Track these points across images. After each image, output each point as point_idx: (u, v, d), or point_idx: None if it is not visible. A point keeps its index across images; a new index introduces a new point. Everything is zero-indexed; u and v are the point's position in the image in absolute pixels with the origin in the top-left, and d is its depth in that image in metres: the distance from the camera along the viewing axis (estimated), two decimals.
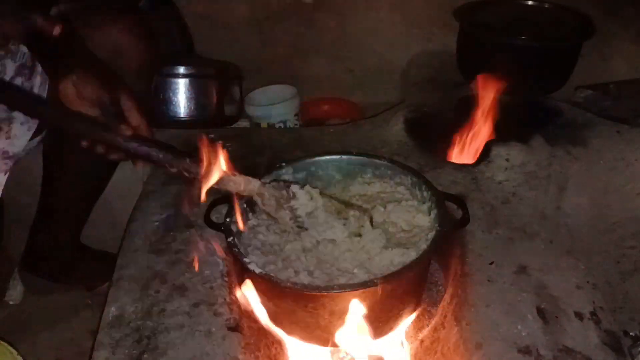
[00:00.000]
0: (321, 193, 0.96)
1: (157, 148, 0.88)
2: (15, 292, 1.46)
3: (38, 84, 1.11)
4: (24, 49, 1.10)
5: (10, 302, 1.46)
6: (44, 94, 1.12)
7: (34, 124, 1.11)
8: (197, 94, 1.58)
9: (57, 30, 0.88)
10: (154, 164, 0.89)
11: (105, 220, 1.51)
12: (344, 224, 0.96)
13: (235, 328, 0.98)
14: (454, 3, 1.70)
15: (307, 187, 0.95)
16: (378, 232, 0.95)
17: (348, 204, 1.00)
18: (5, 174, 1.05)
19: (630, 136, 1.45)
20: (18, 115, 1.08)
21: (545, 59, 1.57)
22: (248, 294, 0.95)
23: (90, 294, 1.47)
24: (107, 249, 1.50)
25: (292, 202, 0.94)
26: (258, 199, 0.93)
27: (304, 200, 0.94)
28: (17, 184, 1.08)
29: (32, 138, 1.21)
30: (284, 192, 0.94)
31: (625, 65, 1.82)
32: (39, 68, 1.13)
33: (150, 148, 0.88)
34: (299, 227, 0.95)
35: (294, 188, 0.95)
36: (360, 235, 0.95)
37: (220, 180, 0.88)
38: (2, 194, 1.04)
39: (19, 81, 1.09)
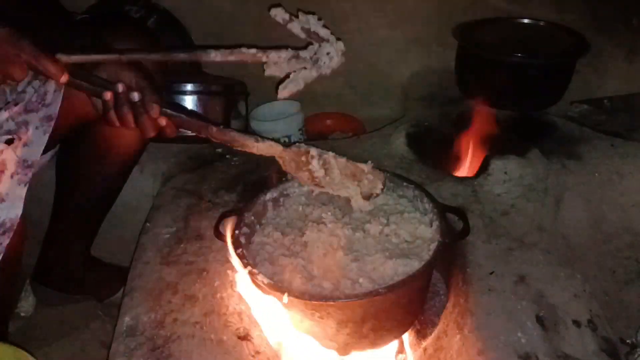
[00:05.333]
0: (337, 157, 1.01)
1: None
2: (27, 304, 1.48)
3: (52, 90, 1.13)
4: None
5: (22, 314, 1.47)
6: (59, 99, 1.14)
7: (49, 127, 1.12)
8: (204, 110, 1.61)
9: (64, 79, 0.90)
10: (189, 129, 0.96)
11: (115, 233, 1.54)
12: (358, 185, 1.02)
13: (245, 337, 1.01)
14: (452, 22, 1.74)
15: (322, 152, 1.01)
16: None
17: (362, 168, 1.04)
18: (25, 186, 1.06)
19: (625, 150, 1.49)
20: (33, 119, 1.10)
21: (541, 75, 1.61)
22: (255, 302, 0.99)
23: (101, 305, 1.49)
24: (117, 262, 1.53)
25: (310, 166, 1.00)
26: (280, 161, 1.00)
27: (318, 167, 1.00)
28: (30, 197, 1.10)
29: (45, 152, 1.24)
30: (303, 157, 1.00)
31: (619, 80, 1.85)
32: None
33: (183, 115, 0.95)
34: (316, 185, 1.02)
35: (313, 152, 1.00)
36: (371, 196, 1.03)
37: (245, 146, 0.95)
38: (23, 210, 1.05)
39: (35, 85, 1.12)
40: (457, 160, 1.49)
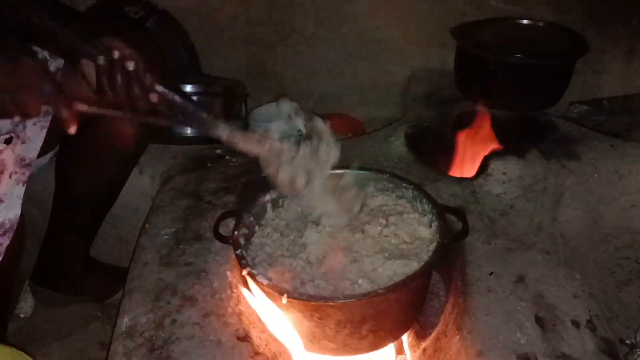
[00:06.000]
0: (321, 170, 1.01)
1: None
2: (26, 305, 1.48)
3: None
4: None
5: (22, 315, 1.47)
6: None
7: (46, 122, 1.11)
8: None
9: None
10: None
11: (114, 234, 1.54)
12: (337, 200, 1.01)
13: (244, 338, 1.01)
14: (451, 22, 1.75)
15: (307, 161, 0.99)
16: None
17: (343, 188, 1.04)
18: (23, 186, 1.05)
19: (624, 150, 1.49)
20: None
21: (541, 75, 1.60)
22: (255, 304, 0.99)
23: (100, 306, 1.49)
24: (116, 263, 1.53)
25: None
26: (263, 163, 0.98)
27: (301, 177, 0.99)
28: (29, 198, 1.10)
29: (44, 153, 1.24)
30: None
31: (618, 81, 1.86)
32: (51, 68, 1.15)
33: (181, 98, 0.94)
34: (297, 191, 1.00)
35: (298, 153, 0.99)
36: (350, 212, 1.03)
37: (230, 140, 0.95)
38: (22, 210, 1.05)
39: None
40: (456, 160, 1.49)
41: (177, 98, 0.95)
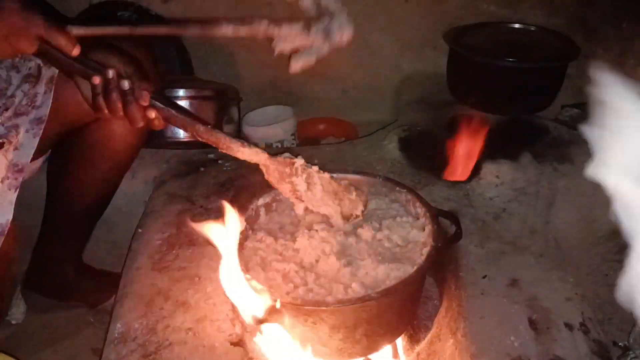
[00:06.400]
0: (321, 172, 1.00)
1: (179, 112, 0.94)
2: (18, 311, 1.47)
3: (42, 92, 1.13)
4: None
5: (13, 321, 1.46)
6: (49, 101, 1.13)
7: (39, 129, 1.11)
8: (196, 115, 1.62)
9: (75, 52, 0.89)
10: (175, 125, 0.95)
11: (107, 239, 1.53)
12: (338, 204, 1.00)
13: (237, 343, 1.00)
14: (443, 26, 1.76)
15: (307, 166, 0.99)
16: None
17: (346, 188, 1.03)
18: (15, 191, 1.05)
19: None
20: (23, 122, 1.09)
21: (533, 79, 1.62)
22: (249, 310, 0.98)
23: (92, 312, 1.47)
24: (108, 268, 1.52)
25: (293, 178, 0.98)
26: (263, 169, 0.97)
27: (301, 180, 0.99)
28: (20, 203, 1.10)
29: (36, 157, 1.24)
30: (287, 169, 0.98)
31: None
32: (45, 76, 1.15)
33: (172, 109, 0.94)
34: (297, 198, 1.00)
35: (297, 164, 0.99)
36: (351, 217, 1.02)
37: (230, 149, 0.93)
38: (13, 216, 1.04)
39: (25, 88, 1.11)
40: (449, 164, 1.50)
41: (174, 112, 0.95)
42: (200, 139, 0.95)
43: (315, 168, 1.00)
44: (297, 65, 0.91)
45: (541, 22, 1.78)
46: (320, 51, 0.90)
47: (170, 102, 0.95)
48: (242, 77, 2.00)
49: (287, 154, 1.00)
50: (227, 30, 0.89)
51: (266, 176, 0.99)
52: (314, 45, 0.91)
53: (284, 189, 1.00)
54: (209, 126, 0.95)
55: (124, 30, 0.95)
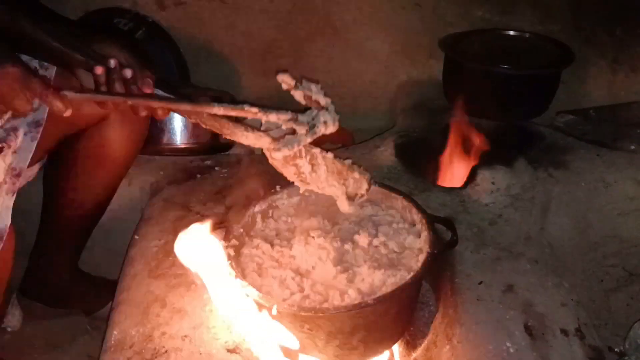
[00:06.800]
0: (324, 153, 0.99)
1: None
2: (14, 319, 1.46)
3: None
4: None
5: (9, 329, 1.45)
6: (44, 115, 1.14)
7: (37, 133, 1.11)
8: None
9: (67, 114, 0.87)
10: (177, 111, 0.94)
11: (103, 245, 1.53)
12: (343, 184, 1.00)
13: (234, 350, 1.00)
14: (439, 33, 1.77)
15: (310, 147, 0.98)
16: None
17: (350, 167, 1.03)
18: (13, 196, 1.04)
19: (610, 159, 1.51)
20: (22, 126, 1.09)
21: (528, 85, 1.63)
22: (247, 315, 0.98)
23: (89, 319, 1.47)
24: (105, 275, 1.52)
25: (297, 160, 0.97)
26: (267, 153, 0.95)
27: (305, 162, 0.97)
28: (17, 209, 1.09)
29: (33, 164, 1.23)
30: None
31: (604, 91, 1.89)
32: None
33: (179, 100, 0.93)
34: (302, 181, 0.98)
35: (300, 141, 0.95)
36: (356, 196, 1.02)
37: (234, 135, 0.92)
38: (11, 221, 1.03)
39: None
40: (445, 170, 1.50)
41: (177, 100, 0.94)
42: (204, 126, 0.93)
43: (319, 149, 0.99)
44: (278, 154, 0.92)
45: (536, 29, 1.79)
46: (301, 141, 0.91)
47: (173, 90, 0.95)
48: (238, 83, 2.01)
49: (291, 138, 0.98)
50: (218, 110, 0.90)
51: (270, 160, 0.96)
52: (297, 134, 0.92)
53: (289, 172, 0.98)
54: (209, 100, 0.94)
55: (119, 99, 0.93)
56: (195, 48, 1.94)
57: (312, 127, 0.92)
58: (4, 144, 1.04)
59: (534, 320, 1.03)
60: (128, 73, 0.90)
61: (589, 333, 1.03)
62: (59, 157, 1.33)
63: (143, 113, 0.93)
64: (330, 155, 0.99)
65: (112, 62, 0.90)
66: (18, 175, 1.06)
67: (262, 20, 1.94)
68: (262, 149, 0.95)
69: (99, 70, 0.90)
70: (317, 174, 0.98)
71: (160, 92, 0.93)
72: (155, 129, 1.57)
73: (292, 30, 1.97)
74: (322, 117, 0.93)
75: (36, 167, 1.30)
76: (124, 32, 1.78)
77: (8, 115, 1.07)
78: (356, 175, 1.02)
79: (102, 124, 1.25)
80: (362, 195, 1.03)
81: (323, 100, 0.94)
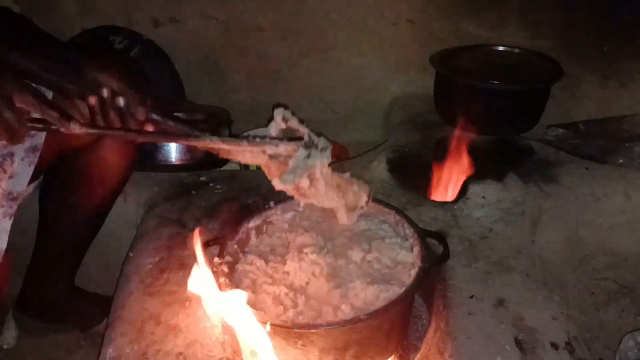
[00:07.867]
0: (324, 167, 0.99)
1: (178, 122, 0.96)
2: (10, 335, 1.46)
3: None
4: None
5: (5, 346, 1.45)
6: (41, 141, 1.15)
7: (34, 158, 1.12)
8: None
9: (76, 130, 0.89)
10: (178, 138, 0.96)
11: (98, 262, 1.54)
12: (343, 197, 1.01)
13: None
14: (430, 49, 1.79)
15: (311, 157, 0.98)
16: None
17: (349, 180, 1.04)
18: (10, 219, 1.05)
19: (600, 173, 1.53)
20: (18, 151, 1.10)
21: (518, 100, 1.65)
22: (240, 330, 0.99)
23: (84, 336, 1.47)
24: (100, 291, 1.52)
25: None
26: (265, 170, 0.97)
27: (304, 178, 0.98)
28: (13, 226, 1.10)
29: (29, 182, 1.24)
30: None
31: (594, 105, 1.91)
32: None
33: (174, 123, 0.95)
34: (301, 195, 0.99)
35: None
36: (356, 208, 1.03)
37: (230, 154, 0.94)
38: (8, 244, 1.04)
39: None
40: (437, 184, 1.52)
41: (172, 124, 0.96)
42: (201, 147, 0.95)
43: (320, 162, 0.98)
44: (276, 184, 0.93)
45: (526, 44, 1.82)
46: (298, 175, 0.93)
47: (167, 114, 0.96)
48: (233, 99, 2.03)
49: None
50: (221, 144, 0.92)
51: (269, 177, 0.98)
52: (290, 168, 0.93)
53: (288, 187, 1.00)
54: (207, 134, 0.95)
55: (115, 133, 0.96)
56: (190, 65, 1.96)
57: (306, 164, 0.94)
58: (0, 169, 1.05)
59: (524, 334, 1.04)
60: (121, 102, 0.92)
61: (579, 347, 1.04)
62: (54, 175, 1.33)
63: (139, 140, 0.94)
64: (328, 169, 1.00)
65: (105, 92, 0.92)
66: (15, 199, 1.07)
67: (256, 37, 1.97)
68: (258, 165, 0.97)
69: (93, 100, 0.92)
70: (316, 188, 0.99)
71: (155, 117, 0.94)
72: (151, 145, 1.58)
73: (286, 46, 1.99)
74: (317, 157, 0.95)
75: (32, 186, 1.30)
76: (119, 51, 1.80)
77: (4, 140, 1.08)
78: (355, 188, 1.04)
79: (97, 143, 1.26)
80: (362, 207, 1.05)
81: (321, 142, 0.96)
